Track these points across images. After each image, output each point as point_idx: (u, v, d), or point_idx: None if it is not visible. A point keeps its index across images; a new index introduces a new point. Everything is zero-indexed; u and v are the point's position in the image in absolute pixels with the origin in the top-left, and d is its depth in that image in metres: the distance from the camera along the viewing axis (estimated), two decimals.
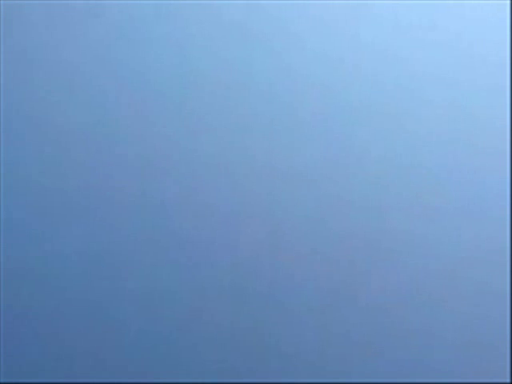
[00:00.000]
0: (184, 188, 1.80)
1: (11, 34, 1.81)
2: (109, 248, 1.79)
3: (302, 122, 1.81)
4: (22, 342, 1.77)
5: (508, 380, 1.76)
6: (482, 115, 1.81)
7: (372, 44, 1.82)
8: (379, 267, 1.79)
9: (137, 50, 1.82)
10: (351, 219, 1.80)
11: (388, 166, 1.81)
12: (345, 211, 1.80)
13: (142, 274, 1.79)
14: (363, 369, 1.77)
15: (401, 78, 1.81)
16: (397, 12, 1.81)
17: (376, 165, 1.80)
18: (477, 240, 1.79)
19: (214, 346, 1.78)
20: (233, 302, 1.79)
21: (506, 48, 1.81)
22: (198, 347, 1.78)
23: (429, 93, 1.81)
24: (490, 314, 1.78)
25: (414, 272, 1.79)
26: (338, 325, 1.78)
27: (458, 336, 1.77)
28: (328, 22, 1.82)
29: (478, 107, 1.81)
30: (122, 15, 1.82)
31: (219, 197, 1.80)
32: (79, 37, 1.82)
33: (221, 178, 1.81)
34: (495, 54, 1.81)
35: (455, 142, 1.81)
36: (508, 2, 1.81)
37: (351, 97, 1.82)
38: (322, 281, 1.79)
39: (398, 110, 1.81)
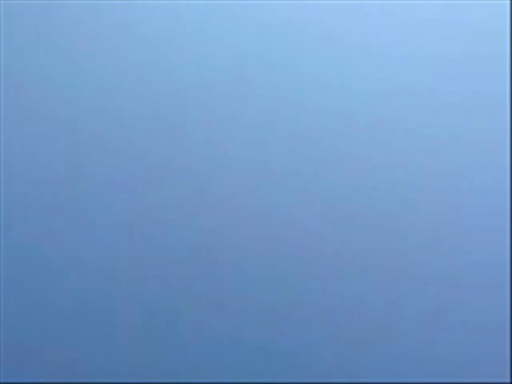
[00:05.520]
0: (184, 194, 1.80)
1: (11, 33, 1.81)
2: (108, 252, 1.79)
3: (300, 124, 1.81)
4: (22, 342, 1.77)
5: (508, 380, 1.77)
6: (482, 115, 1.81)
7: (371, 43, 1.82)
8: (379, 272, 1.79)
9: (137, 50, 1.82)
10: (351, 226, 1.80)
11: (387, 165, 1.81)
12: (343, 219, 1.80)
13: (141, 272, 1.79)
14: (361, 369, 1.78)
15: (399, 78, 1.81)
16: (397, 12, 1.82)
17: (375, 166, 1.81)
18: (477, 239, 1.79)
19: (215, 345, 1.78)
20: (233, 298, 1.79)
21: (506, 48, 1.81)
22: (199, 347, 1.78)
23: (428, 93, 1.81)
24: (490, 313, 1.78)
25: (412, 274, 1.79)
26: (336, 325, 1.79)
27: (458, 336, 1.78)
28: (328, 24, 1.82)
29: (478, 107, 1.81)
30: (123, 14, 1.82)
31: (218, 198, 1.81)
32: (79, 36, 1.82)
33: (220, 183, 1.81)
34: (495, 54, 1.81)
35: (454, 144, 1.81)
36: (508, 2, 1.81)
37: (350, 98, 1.82)
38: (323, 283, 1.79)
39: (397, 110, 1.82)
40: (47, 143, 1.81)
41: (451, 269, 1.79)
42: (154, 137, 1.81)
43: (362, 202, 1.80)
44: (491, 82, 1.81)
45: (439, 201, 1.80)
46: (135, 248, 1.79)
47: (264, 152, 1.81)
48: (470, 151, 1.80)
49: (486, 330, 1.77)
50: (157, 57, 1.82)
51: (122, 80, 1.82)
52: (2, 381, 1.76)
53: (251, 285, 1.79)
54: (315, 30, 1.82)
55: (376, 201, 1.80)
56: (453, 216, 1.80)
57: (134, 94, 1.82)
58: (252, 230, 1.80)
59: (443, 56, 1.81)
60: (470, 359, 1.77)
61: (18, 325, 1.77)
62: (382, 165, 1.81)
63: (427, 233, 1.79)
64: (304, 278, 1.79)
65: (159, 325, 1.78)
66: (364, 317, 1.79)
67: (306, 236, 1.80)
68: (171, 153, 1.81)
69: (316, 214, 1.80)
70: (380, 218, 1.80)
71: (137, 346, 1.78)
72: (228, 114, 1.82)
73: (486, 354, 1.77)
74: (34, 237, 1.79)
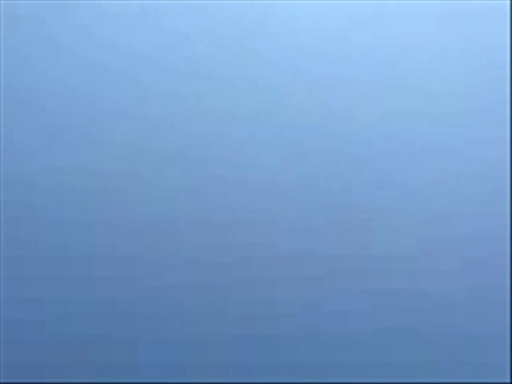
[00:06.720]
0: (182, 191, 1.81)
1: (11, 33, 1.81)
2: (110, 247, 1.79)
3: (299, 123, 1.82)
4: (22, 342, 1.77)
5: (508, 380, 1.76)
6: (482, 115, 1.81)
7: (370, 43, 1.82)
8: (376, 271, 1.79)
9: (137, 50, 1.82)
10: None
11: (388, 165, 1.81)
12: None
13: (142, 272, 1.79)
14: (360, 368, 1.78)
15: (399, 78, 1.81)
16: (396, 12, 1.82)
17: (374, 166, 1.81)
18: (477, 238, 1.79)
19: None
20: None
21: (506, 48, 1.81)
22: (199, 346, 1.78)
23: (427, 93, 1.81)
24: (490, 314, 1.78)
25: (412, 275, 1.79)
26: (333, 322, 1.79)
27: (459, 336, 1.77)
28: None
29: (478, 107, 1.81)
30: (123, 14, 1.82)
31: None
32: (79, 35, 1.82)
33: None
34: (495, 54, 1.81)
35: (454, 147, 1.81)
36: (508, 2, 1.81)
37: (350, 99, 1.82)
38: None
39: (397, 111, 1.82)
40: (46, 143, 1.81)
41: (452, 268, 1.79)
42: (153, 134, 1.81)
43: (362, 203, 1.80)
44: (491, 82, 1.81)
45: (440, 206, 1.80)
46: (135, 247, 1.79)
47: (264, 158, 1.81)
48: (469, 152, 1.81)
49: (486, 329, 1.77)
50: (156, 56, 1.82)
51: (121, 77, 1.82)
52: (2, 381, 1.76)
53: (251, 283, 1.79)
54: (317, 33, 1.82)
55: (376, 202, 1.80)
56: (453, 220, 1.80)
57: (134, 92, 1.82)
58: (251, 228, 1.80)
59: (442, 56, 1.81)
60: (470, 359, 1.77)
61: (17, 325, 1.77)
62: (382, 164, 1.81)
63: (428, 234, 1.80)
64: (304, 277, 1.79)
65: (160, 323, 1.79)
66: (364, 316, 1.79)
67: (305, 236, 1.80)
68: (169, 152, 1.81)
69: (315, 217, 1.80)
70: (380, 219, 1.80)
71: (138, 345, 1.78)
72: (227, 116, 1.82)
73: (486, 354, 1.77)
74: (34, 235, 1.79)
